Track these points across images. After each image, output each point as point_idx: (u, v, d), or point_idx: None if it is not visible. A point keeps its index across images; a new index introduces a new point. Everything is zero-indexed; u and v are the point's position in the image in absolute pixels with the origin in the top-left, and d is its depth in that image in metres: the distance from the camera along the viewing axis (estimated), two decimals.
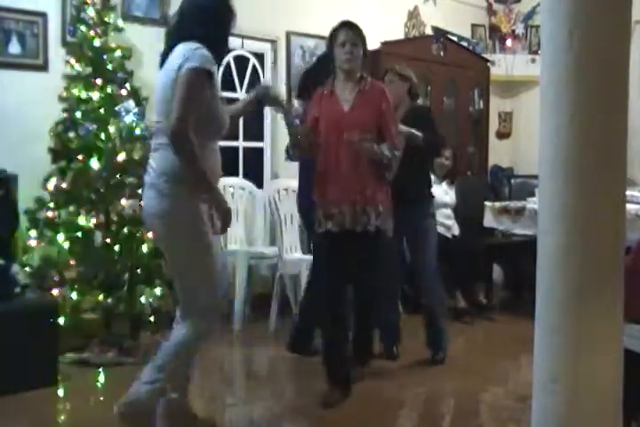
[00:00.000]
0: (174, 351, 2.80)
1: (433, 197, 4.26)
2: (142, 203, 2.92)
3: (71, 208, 4.10)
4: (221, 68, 4.86)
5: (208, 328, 2.84)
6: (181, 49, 2.69)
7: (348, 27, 3.48)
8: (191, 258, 2.77)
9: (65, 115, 4.20)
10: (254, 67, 5.57)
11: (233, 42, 5.12)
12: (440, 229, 5.27)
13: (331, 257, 3.47)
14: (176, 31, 2.82)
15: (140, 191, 4.20)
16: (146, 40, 4.72)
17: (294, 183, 4.43)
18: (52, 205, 4.10)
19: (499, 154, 7.23)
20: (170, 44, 2.79)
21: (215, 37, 2.76)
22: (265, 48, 5.59)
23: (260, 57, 5.59)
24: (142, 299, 4.13)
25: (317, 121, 3.48)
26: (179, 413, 2.96)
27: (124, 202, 4.16)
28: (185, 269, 2.81)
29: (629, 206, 3.95)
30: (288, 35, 5.59)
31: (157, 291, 4.21)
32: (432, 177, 4.42)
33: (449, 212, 5.46)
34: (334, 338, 3.45)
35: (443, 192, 5.31)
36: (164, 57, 2.79)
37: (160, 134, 2.73)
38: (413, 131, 3.89)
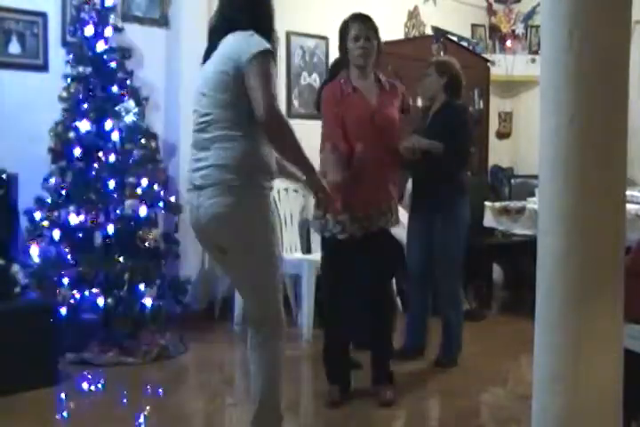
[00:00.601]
0: (265, 381, 2.66)
1: None
2: (192, 212, 2.62)
3: (71, 208, 4.10)
4: None
5: (282, 330, 2.68)
6: (234, 38, 2.57)
7: (361, 20, 3.34)
8: (266, 253, 2.59)
9: (65, 115, 4.20)
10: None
11: None
12: None
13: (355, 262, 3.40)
14: (221, 25, 2.67)
15: (139, 191, 4.22)
16: (146, 40, 4.73)
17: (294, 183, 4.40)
18: (52, 205, 4.10)
19: (499, 154, 7.23)
20: (217, 38, 2.64)
21: (264, 25, 2.64)
22: None
23: None
24: (142, 299, 4.12)
25: (342, 119, 3.30)
26: None
27: (124, 202, 4.16)
28: (261, 267, 2.61)
29: (629, 206, 3.95)
30: (288, 35, 5.59)
31: (157, 291, 4.20)
32: None
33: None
34: (335, 336, 3.45)
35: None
36: (210, 52, 2.66)
37: (214, 127, 2.56)
38: (431, 143, 3.73)
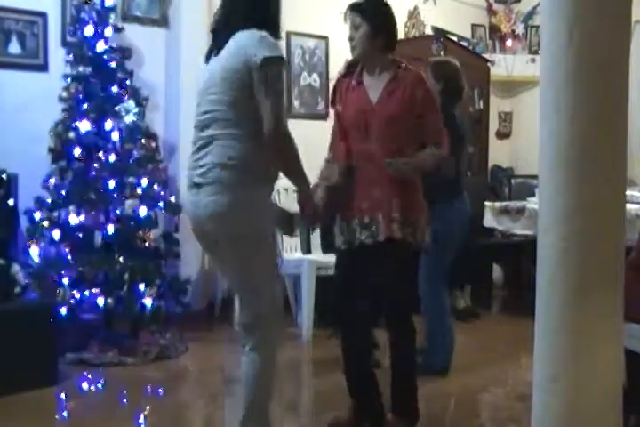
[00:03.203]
0: (256, 385, 2.57)
1: None
2: (190, 208, 2.61)
3: (71, 208, 4.10)
4: None
5: (278, 335, 2.64)
6: (246, 36, 2.50)
7: (350, 8, 3.00)
8: (265, 253, 2.55)
9: (65, 115, 4.20)
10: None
11: None
12: None
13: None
14: (226, 21, 2.60)
15: (139, 191, 4.22)
16: (146, 40, 4.73)
17: None
18: (51, 205, 4.10)
19: (499, 154, 7.23)
20: (224, 34, 2.57)
21: (271, 21, 2.61)
22: None
23: None
24: (142, 299, 4.12)
25: (342, 116, 3.05)
26: None
27: (124, 202, 4.16)
28: (259, 266, 2.55)
29: (629, 206, 3.96)
30: (288, 35, 5.58)
31: (157, 291, 4.20)
32: None
33: None
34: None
35: None
36: (215, 48, 2.60)
37: (216, 125, 2.51)
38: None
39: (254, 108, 2.46)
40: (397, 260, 2.99)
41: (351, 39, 2.97)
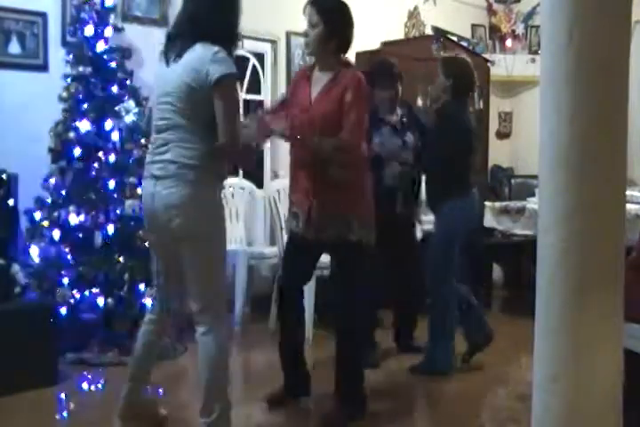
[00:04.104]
0: (214, 366, 2.86)
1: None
2: (147, 199, 2.81)
3: (71, 208, 4.10)
4: None
5: (224, 319, 2.86)
6: (200, 52, 2.68)
7: (310, 3, 3.08)
8: (214, 247, 2.77)
9: (65, 115, 4.20)
10: (254, 67, 5.58)
11: None
12: None
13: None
14: (185, 27, 2.77)
15: (139, 191, 4.22)
16: (146, 40, 4.73)
17: None
18: (51, 205, 4.10)
19: (499, 154, 7.23)
20: (182, 42, 2.74)
21: (229, 29, 2.75)
22: (265, 48, 5.59)
23: (260, 57, 5.59)
24: (142, 299, 4.12)
25: (289, 104, 3.21)
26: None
27: (124, 202, 4.16)
28: (210, 256, 2.77)
29: (629, 206, 3.96)
30: (288, 35, 5.59)
31: None
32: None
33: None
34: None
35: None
36: (173, 53, 2.77)
37: (173, 131, 2.72)
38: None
39: (208, 116, 2.67)
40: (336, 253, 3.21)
41: (306, 35, 3.10)
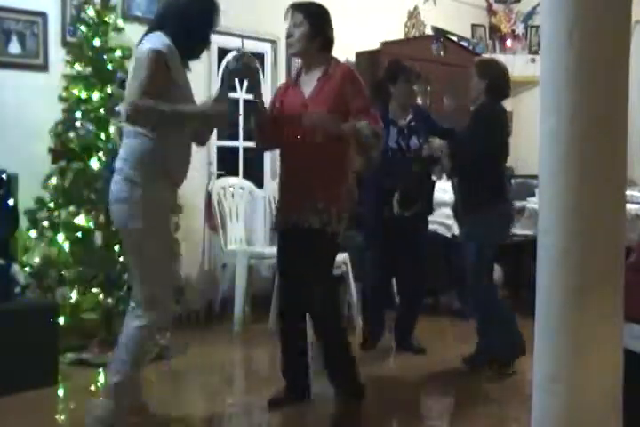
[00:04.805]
0: (130, 345, 2.88)
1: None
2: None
3: (71, 208, 4.09)
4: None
5: (156, 321, 2.89)
6: (143, 39, 2.79)
7: (293, 7, 3.16)
8: (152, 244, 2.82)
9: (65, 115, 4.20)
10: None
11: (233, 42, 5.16)
12: (440, 229, 5.28)
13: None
14: (151, 25, 2.89)
15: None
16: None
17: None
18: (51, 205, 4.10)
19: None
20: (141, 38, 2.85)
21: (192, 31, 2.80)
22: (265, 48, 5.60)
23: (260, 57, 5.59)
24: None
25: (279, 112, 3.19)
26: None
27: None
28: (138, 257, 2.85)
29: (629, 206, 3.96)
30: None
31: None
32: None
33: (449, 211, 5.45)
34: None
35: (442, 191, 5.30)
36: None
37: (125, 122, 2.85)
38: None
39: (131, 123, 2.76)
40: (311, 246, 3.16)
41: (290, 36, 3.13)
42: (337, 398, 3.26)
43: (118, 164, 2.85)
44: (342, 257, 4.56)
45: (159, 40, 2.71)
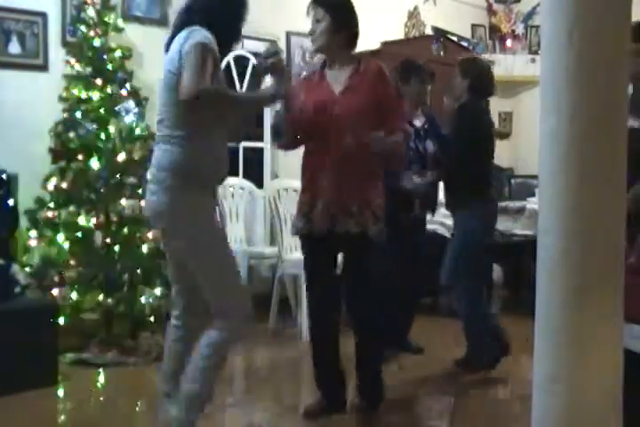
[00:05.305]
0: (208, 356, 2.69)
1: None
2: (144, 201, 2.78)
3: (71, 208, 4.10)
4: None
5: (239, 329, 2.68)
6: (182, 34, 2.59)
7: (313, 2, 3.04)
8: (210, 253, 2.59)
9: (65, 115, 4.20)
10: (254, 67, 5.57)
11: None
12: (440, 229, 5.28)
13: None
14: (181, 20, 2.69)
15: (140, 191, 4.22)
16: (146, 40, 4.73)
17: (294, 183, 4.39)
18: (51, 205, 4.10)
19: (499, 154, 7.21)
20: (173, 33, 2.68)
21: (224, 26, 2.64)
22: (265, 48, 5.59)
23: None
24: (142, 299, 4.12)
25: (301, 111, 3.04)
26: None
27: (124, 202, 4.16)
28: (205, 266, 2.60)
29: None
30: (288, 35, 5.59)
31: (157, 291, 4.20)
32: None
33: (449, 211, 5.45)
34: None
35: (441, 191, 5.28)
36: (168, 46, 2.71)
37: (161, 127, 2.62)
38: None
39: (187, 110, 2.51)
40: (352, 250, 3.09)
41: (312, 32, 3.01)
42: (359, 402, 3.23)
43: (152, 172, 2.62)
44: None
45: (205, 35, 2.54)
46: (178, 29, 2.65)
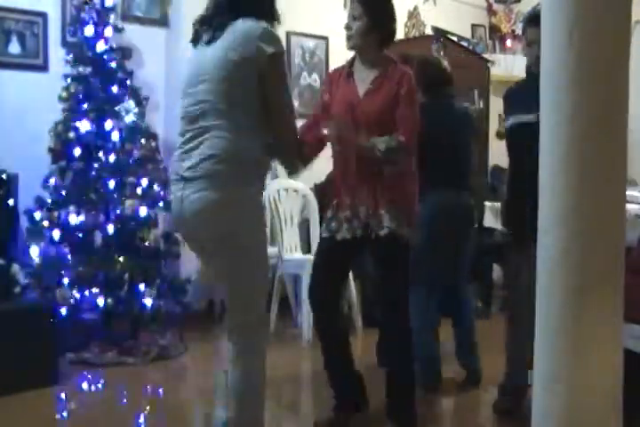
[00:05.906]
0: (246, 397, 2.48)
1: None
2: (175, 203, 2.43)
3: (71, 208, 4.10)
4: None
5: (264, 341, 2.53)
6: (246, 27, 2.39)
7: None
8: (253, 255, 2.41)
9: (65, 115, 4.21)
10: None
11: None
12: None
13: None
14: (222, 8, 2.49)
15: (139, 191, 4.22)
16: (146, 40, 4.73)
17: (294, 183, 4.41)
18: (52, 205, 4.10)
19: (499, 154, 7.21)
20: (221, 19, 2.46)
21: (271, 10, 2.54)
22: None
23: None
24: (142, 299, 4.12)
25: (328, 107, 2.98)
26: None
27: (124, 202, 4.16)
28: (247, 269, 2.40)
29: (629, 206, 3.95)
30: (288, 35, 5.58)
31: (157, 291, 4.20)
32: None
33: None
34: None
35: None
36: (208, 32, 2.49)
37: (210, 116, 2.36)
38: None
39: (249, 100, 2.37)
40: (375, 255, 3.01)
41: (348, 28, 2.94)
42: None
43: (198, 167, 2.34)
44: None
45: (276, 37, 2.43)
46: (223, 19, 2.45)
